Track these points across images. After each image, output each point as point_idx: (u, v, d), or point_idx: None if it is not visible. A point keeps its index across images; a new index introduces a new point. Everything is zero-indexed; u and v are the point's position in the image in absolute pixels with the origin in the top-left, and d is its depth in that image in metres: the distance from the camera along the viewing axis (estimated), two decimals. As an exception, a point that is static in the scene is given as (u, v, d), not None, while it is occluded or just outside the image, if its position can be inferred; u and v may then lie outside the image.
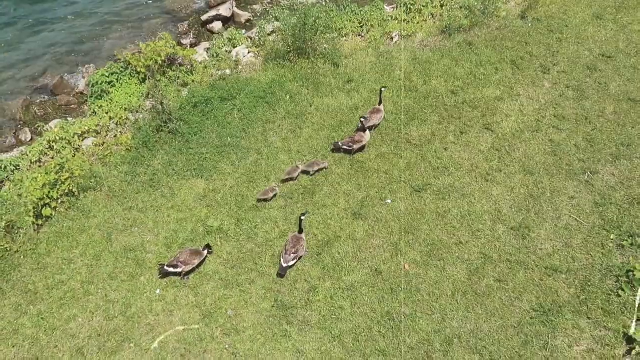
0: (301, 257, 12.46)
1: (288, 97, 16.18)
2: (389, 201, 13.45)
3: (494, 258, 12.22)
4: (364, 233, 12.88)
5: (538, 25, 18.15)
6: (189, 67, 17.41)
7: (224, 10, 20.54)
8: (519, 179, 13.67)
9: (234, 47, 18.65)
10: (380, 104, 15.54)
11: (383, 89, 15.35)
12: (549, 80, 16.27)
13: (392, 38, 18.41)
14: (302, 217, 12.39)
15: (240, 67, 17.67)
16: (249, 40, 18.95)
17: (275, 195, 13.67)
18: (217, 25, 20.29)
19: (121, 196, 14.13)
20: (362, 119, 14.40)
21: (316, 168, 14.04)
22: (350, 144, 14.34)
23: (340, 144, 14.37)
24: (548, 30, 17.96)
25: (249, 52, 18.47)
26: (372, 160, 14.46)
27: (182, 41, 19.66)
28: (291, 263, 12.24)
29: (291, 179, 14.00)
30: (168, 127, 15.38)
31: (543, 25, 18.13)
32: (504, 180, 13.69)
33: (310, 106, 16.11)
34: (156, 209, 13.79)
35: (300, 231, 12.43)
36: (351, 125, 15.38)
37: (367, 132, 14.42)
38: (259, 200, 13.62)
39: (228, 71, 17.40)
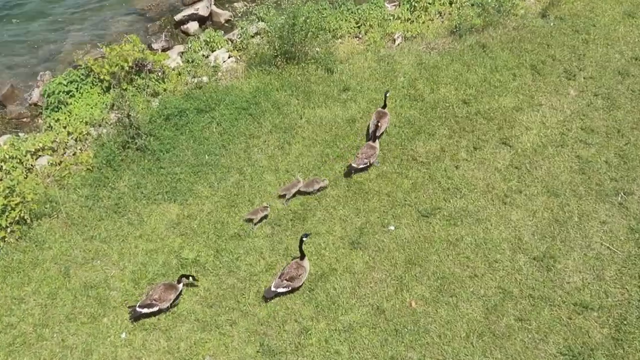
0: (297, 288, 12.45)
1: (273, 108, 16.25)
2: (392, 228, 13.45)
3: (514, 293, 12.20)
4: (363, 265, 12.84)
5: (561, 24, 18.36)
6: (160, 74, 17.45)
7: (201, 9, 20.65)
8: (541, 202, 13.71)
9: (212, 51, 18.74)
10: (384, 107, 15.66)
11: (387, 94, 15.49)
12: (575, 87, 16.41)
13: (394, 40, 18.54)
14: (304, 239, 12.36)
15: (219, 73, 17.75)
16: (230, 43, 19.05)
17: (265, 217, 13.71)
18: (192, 26, 20.40)
19: (81, 224, 14.06)
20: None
21: (317, 187, 14.12)
22: (366, 160, 14.43)
23: (354, 165, 14.33)
24: (573, 30, 18.16)
25: (229, 57, 18.55)
26: (372, 181, 14.47)
27: (152, 44, 19.73)
28: (280, 290, 12.21)
29: (287, 196, 14.09)
30: (136, 143, 15.39)
31: (567, 24, 18.34)
32: (524, 202, 13.72)
33: (301, 118, 16.15)
34: (122, 239, 13.72)
35: (302, 256, 12.41)
36: (348, 140, 15.42)
37: (378, 141, 14.62)
38: (246, 220, 13.65)
39: (205, 78, 17.48)
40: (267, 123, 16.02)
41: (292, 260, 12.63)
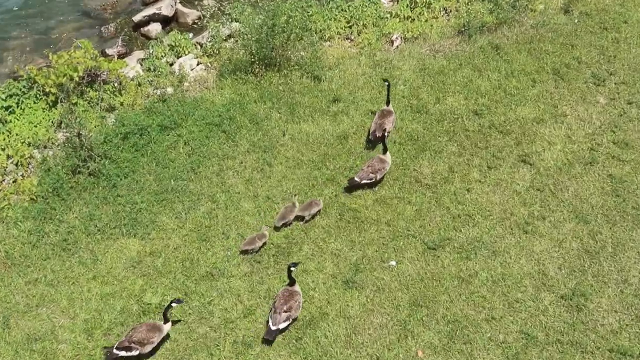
0: (295, 319, 12.50)
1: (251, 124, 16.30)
2: (393, 263, 13.46)
3: (539, 338, 12.19)
4: (360, 308, 12.81)
5: (587, 21, 18.56)
6: (116, 85, 17.48)
7: (164, 8, 20.73)
8: (569, 229, 13.77)
9: (178, 57, 18.83)
10: (388, 103, 15.74)
11: (388, 83, 15.61)
12: (605, 94, 16.57)
13: (392, 42, 18.68)
14: (293, 268, 12.50)
15: (186, 83, 17.82)
16: (199, 47, 19.13)
17: (264, 245, 13.80)
18: (154, 28, 20.47)
19: (23, 264, 13.96)
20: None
21: (315, 210, 14.25)
22: (372, 175, 14.55)
23: (357, 179, 14.54)
24: (601, 28, 18.36)
25: (198, 64, 18.62)
26: (369, 207, 14.50)
27: (107, 50, 19.78)
28: (282, 325, 12.28)
29: (287, 224, 14.18)
30: (88, 167, 15.35)
31: (594, 21, 18.54)
32: (549, 230, 13.78)
33: (283, 135, 16.21)
34: (72, 281, 13.64)
35: (292, 282, 12.52)
36: (340, 160, 15.47)
37: (388, 153, 14.80)
38: (242, 252, 13.73)
39: (170, 89, 17.53)
40: (244, 141, 16.05)
41: (281, 289, 12.68)
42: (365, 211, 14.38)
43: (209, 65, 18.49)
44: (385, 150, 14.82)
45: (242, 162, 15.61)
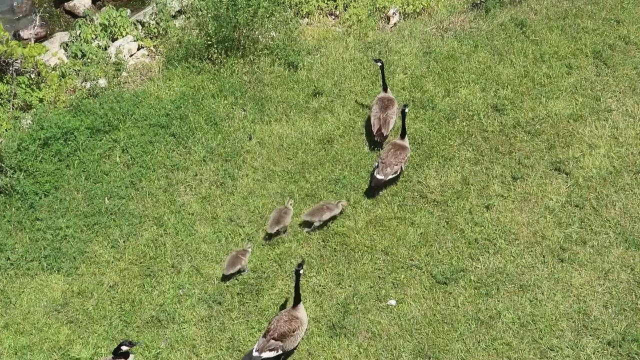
0: (290, 352, 12.57)
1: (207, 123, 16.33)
2: (393, 302, 13.46)
3: (580, 397, 12.24)
4: (351, 359, 12.91)
5: (636, -10, 18.72)
6: (33, 76, 17.43)
7: (95, -23, 20.72)
8: (616, 256, 13.81)
9: (113, 40, 18.81)
10: (386, 89, 15.90)
11: (381, 64, 15.81)
12: (660, 83, 16.77)
13: (389, 18, 18.73)
14: (300, 270, 12.52)
15: (124, 74, 17.81)
16: (140, 27, 19.11)
17: (243, 270, 13.93)
18: (82, 3, 20.40)
19: None
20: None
21: (327, 216, 14.38)
22: (397, 166, 14.81)
23: (380, 176, 14.73)
24: (654, -2, 18.53)
25: (139, 48, 18.62)
26: (361, 231, 14.51)
27: (20, 32, 19.69)
28: (266, 355, 12.36)
29: (281, 232, 14.34)
30: (-3, 182, 15.38)
31: (645, -10, 18.70)
32: (591, 258, 13.82)
33: (250, 139, 16.22)
34: (-23, 331, 13.57)
35: (297, 302, 12.60)
36: (322, 170, 15.49)
37: (406, 138, 15.14)
38: (224, 278, 13.81)
39: (103, 82, 17.49)
40: (199, 147, 16.05)
41: (280, 311, 12.75)
42: (355, 236, 14.39)
43: (154, 50, 18.46)
44: (403, 134, 15.04)
45: (196, 175, 15.61)
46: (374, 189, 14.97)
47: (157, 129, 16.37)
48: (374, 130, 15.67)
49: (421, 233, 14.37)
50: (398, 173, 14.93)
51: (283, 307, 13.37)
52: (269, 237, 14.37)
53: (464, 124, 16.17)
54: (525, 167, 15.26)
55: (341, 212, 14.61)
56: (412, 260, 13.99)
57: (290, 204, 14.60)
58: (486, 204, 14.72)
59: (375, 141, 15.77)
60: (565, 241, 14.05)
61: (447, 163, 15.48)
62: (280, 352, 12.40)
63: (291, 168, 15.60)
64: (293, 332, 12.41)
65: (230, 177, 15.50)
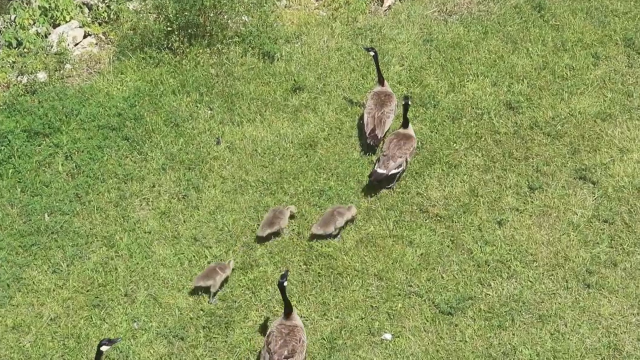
0: None
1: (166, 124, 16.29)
2: (388, 336, 13.40)
3: None
4: (338, 406, 12.85)
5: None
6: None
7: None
8: (653, 280, 13.92)
9: (55, 26, 18.73)
10: (382, 82, 15.97)
11: (374, 53, 15.88)
12: (703, 76, 16.84)
13: (382, 0, 18.73)
14: (284, 282, 12.61)
15: (68, 66, 17.78)
16: (86, 10, 19.05)
17: (224, 282, 14.01)
18: (18, -18, 20.39)
19: None
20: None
21: (341, 222, 14.52)
22: (400, 158, 14.93)
23: (382, 171, 14.89)
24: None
25: (86, 36, 18.57)
26: (350, 252, 14.47)
27: None
28: None
29: (276, 235, 14.52)
30: None
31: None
32: (622, 283, 13.79)
33: (218, 143, 16.22)
34: None
35: (289, 312, 12.68)
36: (304, 180, 15.47)
37: (410, 126, 15.38)
38: (196, 288, 13.87)
39: (43, 75, 17.47)
40: (157, 153, 16.04)
41: (275, 323, 12.77)
42: (344, 258, 14.37)
43: (103, 37, 18.43)
44: (406, 124, 15.17)
45: (154, 186, 15.60)
46: (373, 184, 15.09)
47: (107, 132, 16.35)
48: (367, 130, 15.70)
49: (421, 254, 14.34)
50: (402, 167, 15.04)
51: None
52: (261, 240, 14.45)
53: (472, 124, 16.21)
54: (545, 176, 15.28)
55: (353, 219, 14.77)
56: (410, 286, 13.96)
57: (290, 210, 14.76)
58: (498, 220, 14.71)
59: (368, 145, 15.79)
60: (592, 263, 14.04)
61: (452, 171, 15.49)
62: None
63: (267, 177, 15.59)
64: (300, 342, 12.56)
65: (195, 189, 15.50)
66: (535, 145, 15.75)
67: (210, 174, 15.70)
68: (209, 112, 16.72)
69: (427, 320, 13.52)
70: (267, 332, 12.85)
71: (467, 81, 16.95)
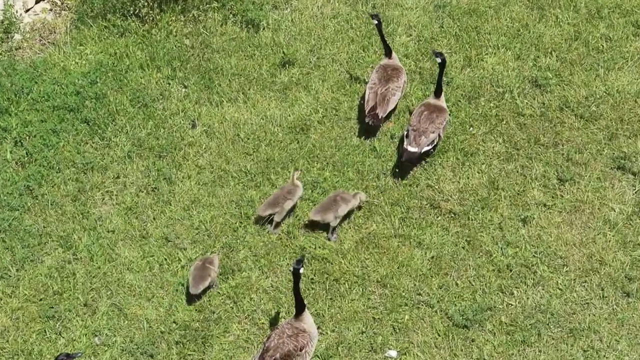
0: None
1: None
2: (394, 353, 13.41)
3: None
4: None
5: None
6: None
7: None
8: None
9: (4, -9, 18.69)
10: (389, 54, 15.98)
11: (377, 20, 15.89)
12: None
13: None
14: (301, 270, 12.61)
15: (17, 36, 17.76)
16: (40, -27, 19.04)
17: (210, 286, 14.10)
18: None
19: None
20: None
21: (343, 210, 14.53)
22: (433, 133, 15.06)
23: (415, 148, 14.97)
24: None
25: (38, 1, 18.51)
26: (348, 255, 14.46)
27: None
28: None
29: (278, 219, 14.65)
30: None
31: None
32: (670, 291, 13.84)
33: (194, 127, 16.22)
34: None
35: (301, 309, 12.78)
36: (297, 167, 15.40)
37: (443, 96, 15.46)
38: (194, 297, 13.95)
39: (-12, 48, 17.48)
40: (122, 139, 16.03)
41: (284, 322, 12.90)
42: (341, 261, 14.35)
43: (59, 2, 18.38)
44: (439, 92, 15.22)
45: (118, 177, 15.60)
46: (404, 165, 15.24)
47: (63, 113, 16.36)
48: (367, 108, 15.66)
49: (432, 257, 14.32)
50: (435, 143, 15.16)
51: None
52: (261, 220, 14.63)
53: (492, 105, 16.18)
54: (577, 165, 15.26)
55: (359, 207, 14.84)
56: (419, 295, 13.94)
57: (298, 177, 14.82)
58: (522, 217, 14.68)
59: (368, 126, 15.76)
60: (632, 268, 14.03)
61: (468, 160, 15.46)
62: None
63: (251, 167, 15.57)
64: (300, 350, 12.61)
65: (166, 180, 15.49)
66: (565, 130, 15.72)
67: (184, 163, 15.69)
68: (183, 90, 16.73)
69: (439, 335, 13.51)
70: (272, 330, 13.07)
71: (486, 54, 16.92)
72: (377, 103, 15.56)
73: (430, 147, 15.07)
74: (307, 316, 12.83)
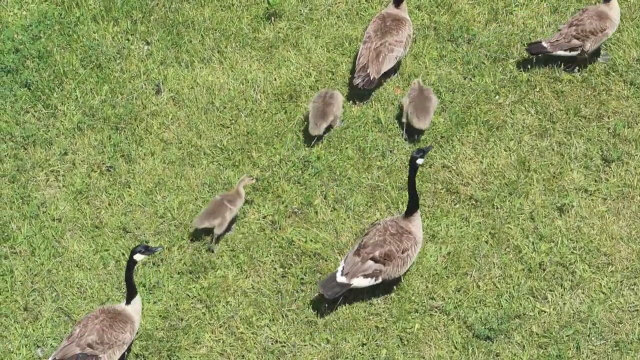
0: (395, 281, 13.29)
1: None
2: (399, 371, 13.41)
3: None
4: None
5: None
6: None
7: None
8: None
9: None
10: (398, 3, 15.95)
11: None
12: None
13: None
14: (420, 160, 13.22)
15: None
16: None
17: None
18: None
19: None
20: None
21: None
22: (576, 40, 15.60)
23: (546, 45, 15.76)
24: None
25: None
26: (344, 249, 14.42)
27: None
28: (356, 282, 13.41)
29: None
30: None
31: None
32: None
33: (158, 93, 16.19)
34: None
35: (414, 208, 13.51)
36: (282, 144, 15.44)
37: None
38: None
39: None
40: (72, 107, 16.02)
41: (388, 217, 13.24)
42: (337, 258, 14.36)
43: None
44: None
45: (66, 153, 15.60)
46: (531, 52, 15.94)
47: (-1, 75, 16.32)
48: (357, 67, 15.61)
49: (448, 253, 14.33)
50: (578, 53, 15.71)
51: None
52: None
53: (522, 68, 16.15)
54: (625, 142, 15.29)
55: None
56: (432, 299, 13.96)
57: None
58: (559, 205, 14.70)
59: (357, 89, 15.82)
60: (690, 267, 14.05)
61: (492, 134, 15.47)
62: (379, 280, 13.15)
63: (228, 142, 15.58)
64: (403, 252, 13.09)
65: (124, 158, 15.49)
66: (612, 99, 15.73)
67: (146, 137, 15.68)
68: (146, 47, 16.70)
69: (456, 348, 13.55)
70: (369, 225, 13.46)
71: (516, 6, 16.90)
72: (370, 60, 15.56)
73: (565, 52, 15.62)
74: (418, 218, 13.31)
